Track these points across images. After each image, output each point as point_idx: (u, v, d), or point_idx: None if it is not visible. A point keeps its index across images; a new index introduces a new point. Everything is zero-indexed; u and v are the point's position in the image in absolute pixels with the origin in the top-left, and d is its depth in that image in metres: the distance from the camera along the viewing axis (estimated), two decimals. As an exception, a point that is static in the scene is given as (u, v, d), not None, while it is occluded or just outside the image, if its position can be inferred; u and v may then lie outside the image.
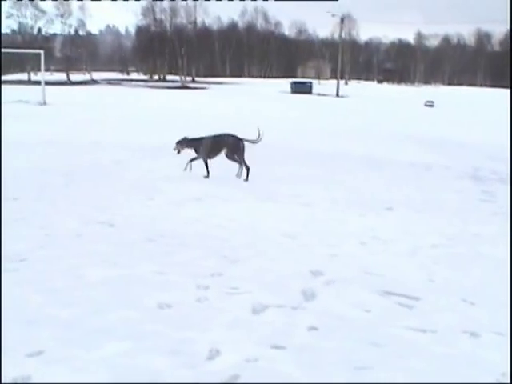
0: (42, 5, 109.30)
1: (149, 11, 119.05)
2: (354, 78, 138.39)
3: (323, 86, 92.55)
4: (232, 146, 12.41)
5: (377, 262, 7.12)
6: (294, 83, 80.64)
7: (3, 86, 57.45)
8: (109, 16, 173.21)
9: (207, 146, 12.38)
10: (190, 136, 12.53)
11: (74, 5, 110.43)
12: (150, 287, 6.02)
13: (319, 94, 73.22)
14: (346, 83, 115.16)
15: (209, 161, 12.45)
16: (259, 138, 12.44)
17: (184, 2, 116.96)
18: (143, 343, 4.81)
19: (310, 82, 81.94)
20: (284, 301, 5.75)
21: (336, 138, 21.96)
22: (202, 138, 12.51)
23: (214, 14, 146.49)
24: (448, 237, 8.45)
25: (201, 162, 12.42)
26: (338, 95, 75.22)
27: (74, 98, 45.68)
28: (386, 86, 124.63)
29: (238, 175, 12.49)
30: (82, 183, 11.55)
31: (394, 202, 10.64)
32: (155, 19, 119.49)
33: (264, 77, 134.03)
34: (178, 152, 12.41)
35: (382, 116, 38.77)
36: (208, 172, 12.34)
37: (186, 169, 12.40)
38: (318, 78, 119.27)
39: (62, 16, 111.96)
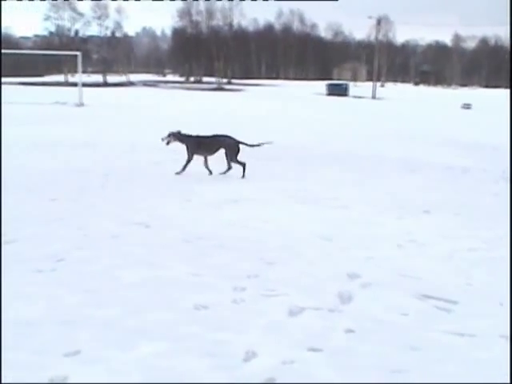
0: (79, 7, 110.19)
1: (185, 13, 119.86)
2: (390, 80, 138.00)
3: (359, 88, 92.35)
4: (229, 147, 12.66)
5: (414, 265, 7.07)
6: (330, 85, 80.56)
7: (41, 88, 58.00)
8: (145, 18, 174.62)
9: (198, 145, 12.64)
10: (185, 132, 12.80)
11: (111, 7, 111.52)
12: (187, 289, 6.02)
13: (355, 96, 72.97)
14: (382, 85, 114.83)
15: (208, 158, 12.87)
16: (260, 143, 12.95)
17: (220, 4, 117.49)
18: (179, 344, 4.81)
19: (346, 84, 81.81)
20: (320, 303, 5.73)
21: (372, 141, 21.86)
22: (196, 137, 12.75)
23: (250, 15, 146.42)
24: (485, 240, 8.37)
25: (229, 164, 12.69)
26: (374, 97, 74.97)
27: (111, 99, 45.97)
28: (423, 89, 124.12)
29: (225, 172, 12.85)
30: (119, 184, 11.61)
31: (431, 205, 10.56)
32: (191, 21, 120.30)
33: (300, 79, 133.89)
34: (168, 143, 12.58)
35: (419, 118, 38.52)
36: (184, 169, 12.65)
37: (179, 173, 12.56)
38: (354, 80, 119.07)
39: (98, 18, 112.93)
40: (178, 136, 12.57)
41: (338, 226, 8.84)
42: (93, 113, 31.59)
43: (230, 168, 12.76)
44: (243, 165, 12.65)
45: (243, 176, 12.53)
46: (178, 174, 12.53)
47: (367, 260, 7.22)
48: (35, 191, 10.74)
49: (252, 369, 4.51)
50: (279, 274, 6.59)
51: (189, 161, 12.58)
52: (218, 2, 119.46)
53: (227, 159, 12.67)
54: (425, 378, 4.44)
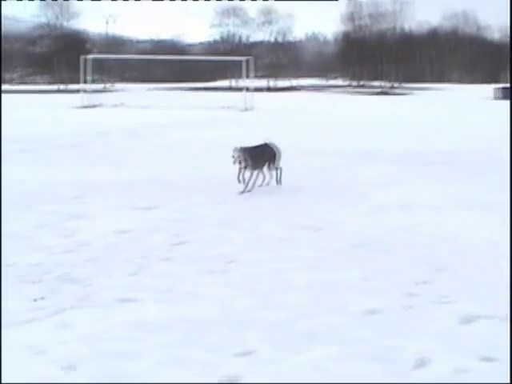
0: (246, 14, 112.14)
1: (350, 18, 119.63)
2: None
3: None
4: (278, 154, 11.97)
5: None
6: (498, 89, 78.35)
7: (209, 93, 59.39)
8: (311, 23, 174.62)
9: (261, 156, 11.66)
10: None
11: (278, 13, 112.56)
12: (356, 293, 6.01)
13: (525, 100, 70.60)
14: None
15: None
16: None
17: (385, 8, 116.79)
18: (350, 349, 4.79)
19: (515, 88, 79.28)
20: (493, 312, 5.55)
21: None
22: (254, 149, 11.65)
23: (416, 18, 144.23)
24: None
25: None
26: (545, 101, 72.26)
27: (277, 104, 46.30)
28: None
29: (279, 182, 11.98)
30: (286, 187, 11.70)
31: None
32: (356, 25, 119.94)
33: (467, 82, 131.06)
34: (238, 161, 11.25)
35: None
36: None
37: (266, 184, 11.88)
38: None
39: (265, 24, 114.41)
40: (246, 152, 11.29)
41: (508, 233, 8.55)
42: (259, 117, 31.97)
43: (279, 172, 12.08)
44: (281, 170, 11.98)
45: (280, 182, 11.97)
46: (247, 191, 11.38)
47: (542, 268, 6.95)
48: (205, 193, 11.00)
49: (424, 376, 4.43)
50: (450, 281, 6.46)
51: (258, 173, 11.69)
52: (383, 6, 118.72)
53: (271, 166, 11.86)
54: None
